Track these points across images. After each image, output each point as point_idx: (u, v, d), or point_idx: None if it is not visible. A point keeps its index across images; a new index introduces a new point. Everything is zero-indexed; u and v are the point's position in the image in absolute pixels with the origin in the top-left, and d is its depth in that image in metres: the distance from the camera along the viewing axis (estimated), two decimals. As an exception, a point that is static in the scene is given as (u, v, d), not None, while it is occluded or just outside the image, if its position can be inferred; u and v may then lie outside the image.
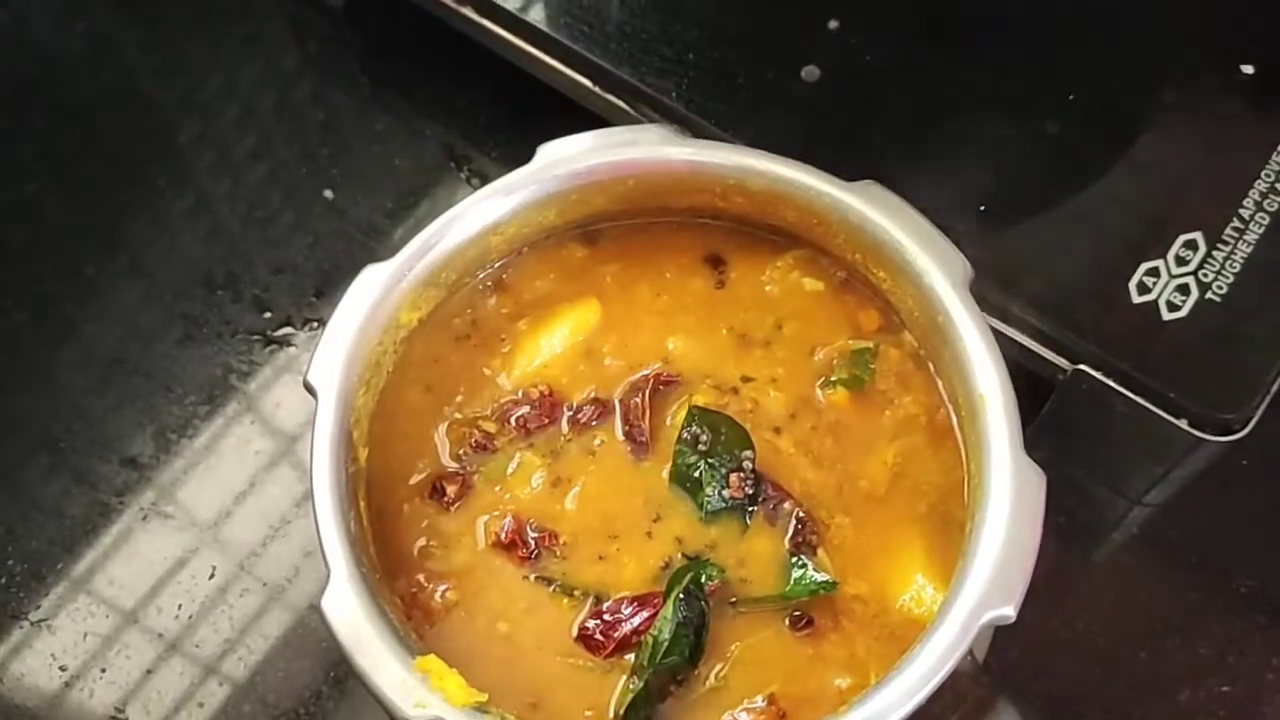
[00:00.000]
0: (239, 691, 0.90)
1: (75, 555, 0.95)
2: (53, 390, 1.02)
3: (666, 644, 0.73)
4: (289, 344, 1.01)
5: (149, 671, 0.90)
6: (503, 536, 0.78)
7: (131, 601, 0.93)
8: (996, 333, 0.79)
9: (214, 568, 0.93)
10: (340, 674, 0.89)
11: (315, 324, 1.02)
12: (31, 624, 0.92)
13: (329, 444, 0.75)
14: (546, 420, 0.82)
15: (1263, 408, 0.84)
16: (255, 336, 1.02)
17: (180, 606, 0.92)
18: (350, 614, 0.70)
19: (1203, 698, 0.87)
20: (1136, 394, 0.85)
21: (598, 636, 0.76)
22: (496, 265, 0.86)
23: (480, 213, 0.83)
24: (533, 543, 0.78)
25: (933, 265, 0.79)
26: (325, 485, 0.74)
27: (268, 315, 1.03)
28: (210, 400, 1.00)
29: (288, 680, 0.90)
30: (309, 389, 0.76)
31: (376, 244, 0.99)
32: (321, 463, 0.74)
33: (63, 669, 0.90)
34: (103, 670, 0.90)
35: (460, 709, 0.69)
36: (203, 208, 1.10)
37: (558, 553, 0.79)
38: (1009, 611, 0.69)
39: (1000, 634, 0.79)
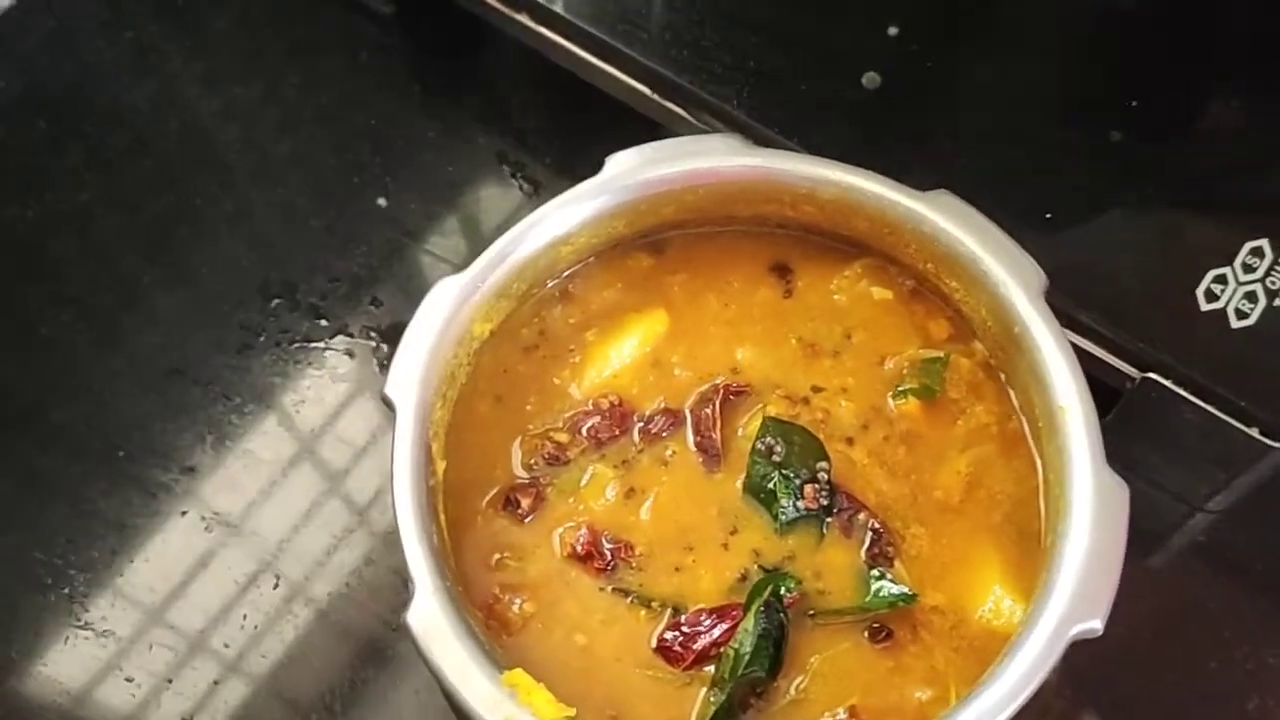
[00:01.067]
0: (306, 704, 0.89)
1: (136, 565, 0.94)
2: (110, 400, 1.02)
3: (748, 656, 0.73)
4: (347, 353, 1.01)
5: (215, 683, 0.90)
6: (578, 548, 0.78)
7: (196, 616, 0.93)
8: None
9: (278, 579, 0.93)
10: (419, 686, 0.88)
11: (373, 332, 1.01)
12: (97, 634, 0.92)
13: (409, 457, 0.75)
14: (618, 431, 0.82)
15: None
16: (314, 345, 1.02)
17: (245, 618, 0.92)
18: (436, 628, 0.70)
19: (1272, 706, 0.87)
20: (1206, 401, 0.85)
21: (677, 648, 0.76)
22: (564, 275, 0.86)
23: (552, 224, 0.83)
24: (609, 554, 0.78)
25: (1007, 275, 0.79)
26: (407, 499, 0.74)
27: (324, 324, 1.02)
28: (269, 409, 0.99)
29: (357, 694, 0.89)
30: (387, 403, 0.76)
31: (431, 251, 0.99)
32: (403, 477, 0.74)
33: (129, 680, 0.90)
34: (169, 681, 0.90)
35: (549, 723, 0.67)
36: (253, 216, 1.10)
37: (634, 564, 0.78)
38: (1096, 625, 0.69)
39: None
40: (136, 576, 0.94)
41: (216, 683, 0.91)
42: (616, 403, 0.83)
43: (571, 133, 1.05)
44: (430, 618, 0.70)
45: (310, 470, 0.98)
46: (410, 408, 0.76)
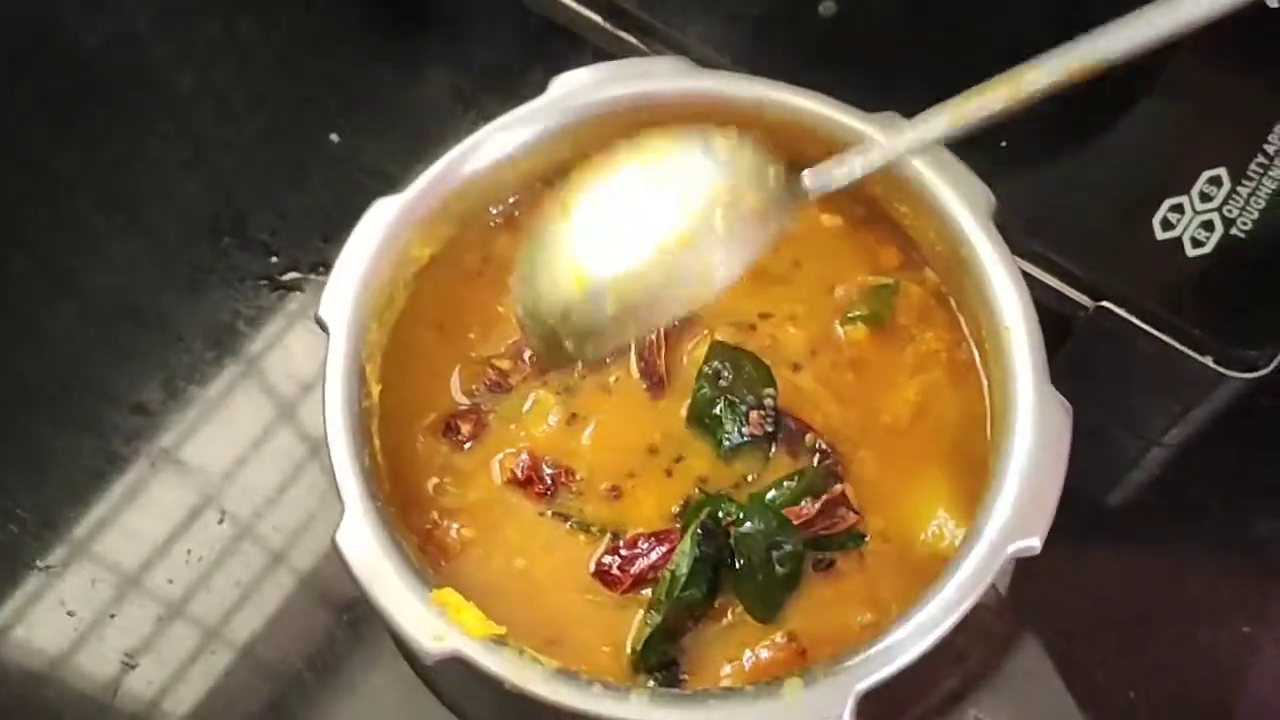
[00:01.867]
0: (252, 639, 0.89)
1: (85, 504, 0.93)
2: (59, 340, 1.00)
3: (684, 579, 0.73)
4: (297, 289, 1.00)
5: (160, 619, 0.89)
6: (518, 473, 0.78)
7: (143, 549, 0.91)
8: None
9: (223, 513, 0.91)
10: (355, 617, 0.87)
11: (322, 268, 1.00)
12: (41, 571, 0.91)
13: (341, 379, 0.74)
14: (560, 358, 0.80)
15: (1289, 342, 0.82)
16: (262, 282, 1.01)
17: (190, 553, 0.90)
18: (366, 548, 0.69)
19: (1224, 638, 0.86)
20: (1160, 331, 0.84)
21: (615, 572, 0.75)
22: (510, 202, 0.84)
23: (495, 145, 0.82)
24: (549, 479, 0.78)
25: (955, 197, 0.77)
26: (338, 420, 0.73)
27: (274, 260, 1.01)
28: (219, 347, 0.98)
29: (303, 626, 0.89)
30: (320, 324, 0.75)
31: (384, 187, 0.98)
32: (334, 397, 0.73)
33: (71, 614, 0.89)
34: (112, 616, 0.89)
35: (478, 641, 0.67)
36: (205, 154, 1.08)
37: (574, 489, 0.78)
38: (1035, 543, 0.68)
39: (1020, 573, 0.78)
40: (86, 515, 0.93)
41: (161, 619, 0.89)
42: (560, 329, 0.80)
43: (526, 66, 1.03)
44: (359, 537, 0.69)
45: (262, 404, 0.97)
46: (343, 328, 0.75)
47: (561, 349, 0.69)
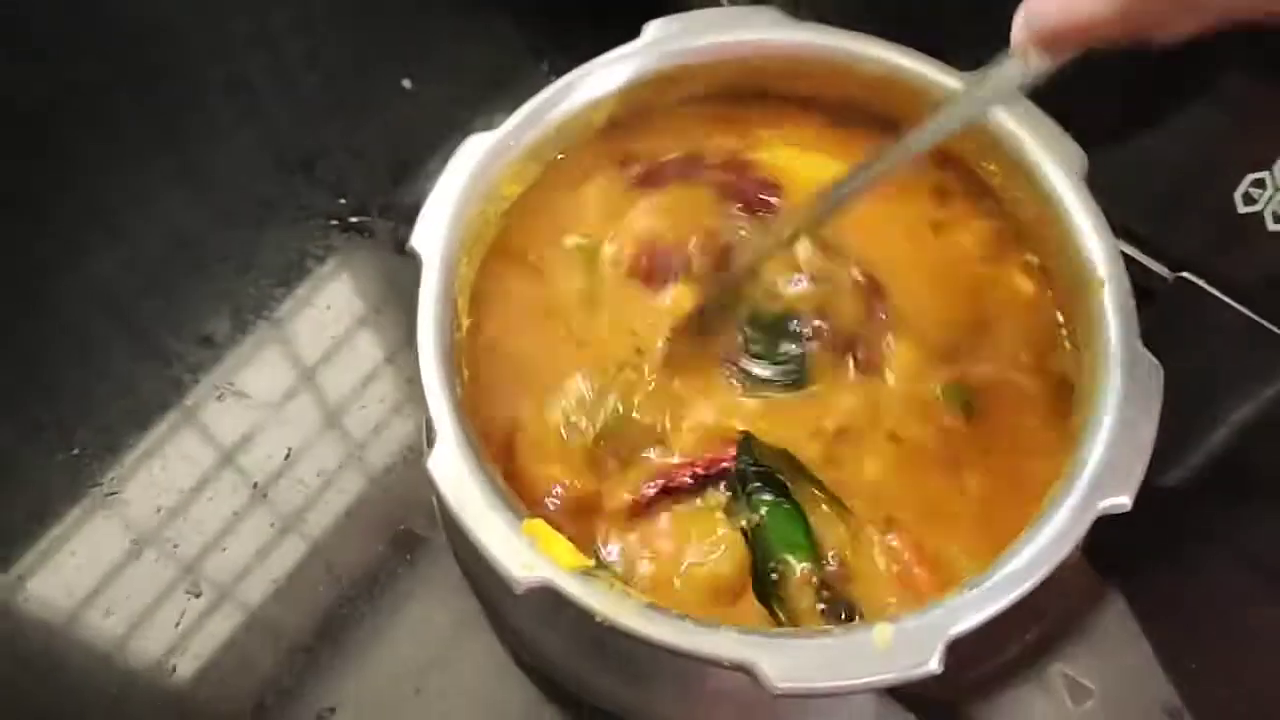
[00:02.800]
0: (310, 555, 0.89)
1: (147, 429, 0.94)
2: (132, 264, 1.01)
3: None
4: (366, 231, 1.00)
5: (222, 535, 0.89)
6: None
7: (201, 474, 0.91)
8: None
9: (289, 449, 0.92)
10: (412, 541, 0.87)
11: (391, 211, 1.00)
12: (105, 494, 0.90)
13: (434, 308, 0.74)
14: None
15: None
16: (332, 221, 1.00)
17: (255, 484, 0.90)
18: (457, 475, 0.69)
19: (1280, 616, 0.85)
20: (1239, 303, 0.83)
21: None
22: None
23: (587, 87, 0.82)
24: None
25: (1047, 156, 0.77)
26: (430, 349, 0.73)
27: (343, 201, 1.01)
28: (286, 283, 0.98)
29: (360, 550, 0.89)
30: (412, 255, 0.75)
31: (455, 133, 0.98)
32: (427, 326, 0.73)
33: (134, 542, 0.89)
34: (174, 545, 0.89)
35: (568, 572, 0.67)
36: (279, 94, 1.08)
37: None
38: (1124, 500, 0.68)
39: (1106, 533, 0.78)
40: (148, 440, 0.92)
41: (221, 537, 0.90)
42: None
43: (605, 22, 1.03)
44: (451, 465, 0.69)
45: (327, 340, 0.97)
46: (436, 259, 0.75)
47: None
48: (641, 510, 0.75)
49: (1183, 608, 0.84)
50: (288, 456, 0.92)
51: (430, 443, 0.70)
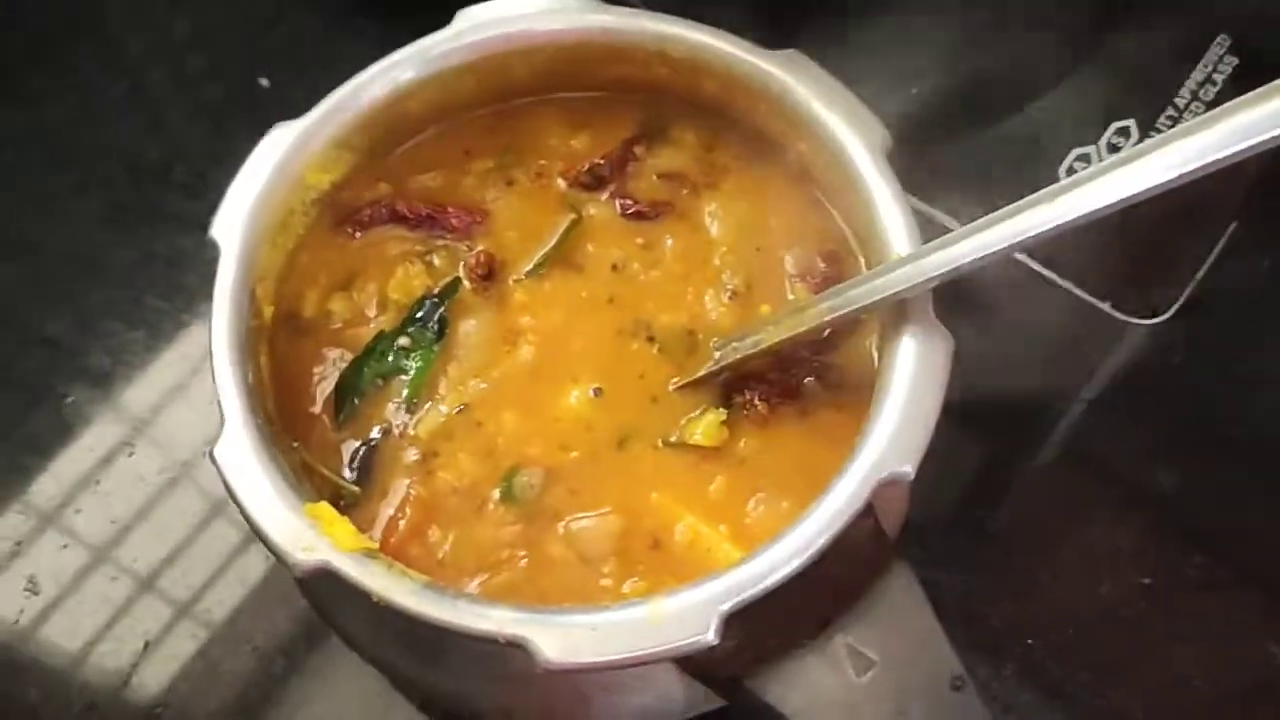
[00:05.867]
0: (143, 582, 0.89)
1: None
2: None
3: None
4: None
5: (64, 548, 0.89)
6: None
7: (52, 487, 0.92)
8: (920, 214, 0.78)
9: (132, 449, 0.92)
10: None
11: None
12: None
13: (229, 296, 0.74)
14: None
15: (1188, 290, 0.82)
16: (184, 223, 1.00)
17: (98, 484, 0.90)
18: (241, 461, 0.69)
19: (1123, 590, 0.87)
20: (1062, 277, 0.83)
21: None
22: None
23: (393, 76, 0.81)
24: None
25: (853, 135, 0.77)
26: (223, 336, 0.73)
27: (197, 203, 1.00)
28: (134, 285, 0.97)
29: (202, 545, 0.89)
30: (211, 244, 0.75)
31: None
32: (220, 315, 0.74)
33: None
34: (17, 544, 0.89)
35: (348, 554, 0.67)
36: (134, 94, 1.08)
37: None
38: (908, 469, 0.68)
39: (926, 525, 0.79)
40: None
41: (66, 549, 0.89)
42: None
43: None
44: (236, 450, 0.70)
45: (179, 343, 0.98)
46: (234, 248, 0.75)
47: None
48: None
49: (972, 574, 0.84)
50: (130, 455, 0.91)
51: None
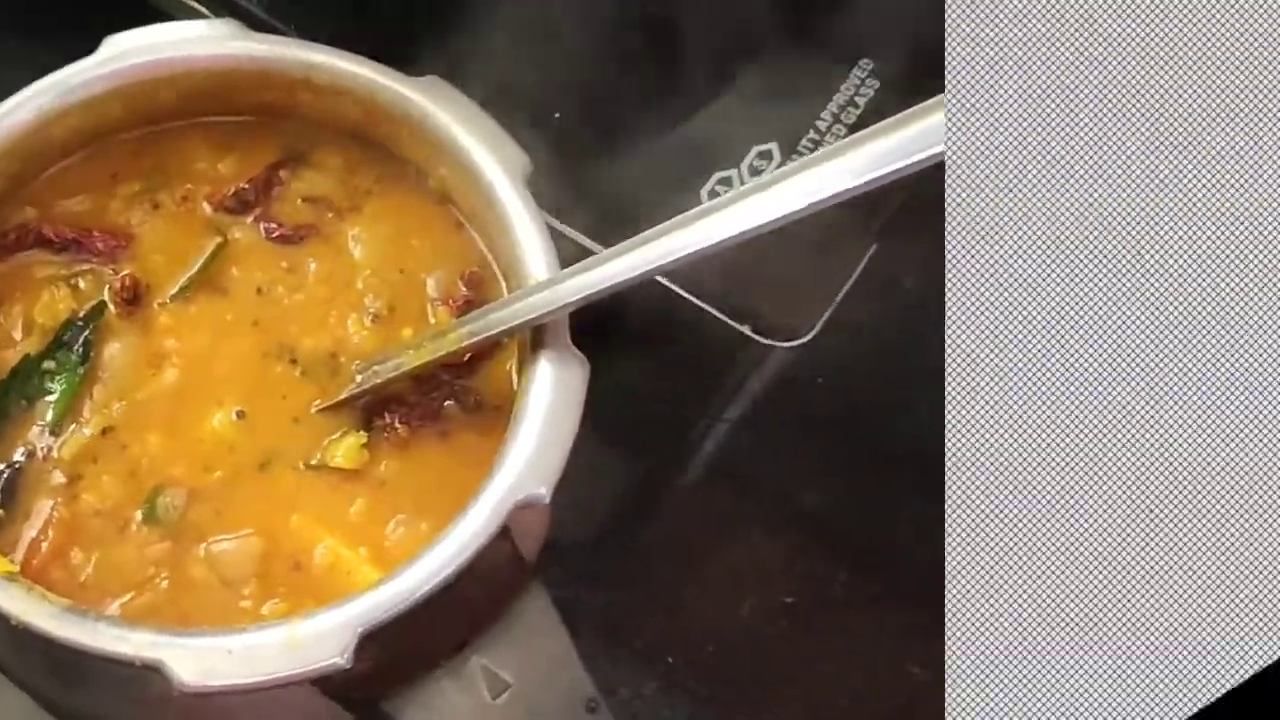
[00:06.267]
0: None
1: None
2: None
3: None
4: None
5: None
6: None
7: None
8: (567, 239, 0.80)
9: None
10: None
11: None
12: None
13: None
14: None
15: (828, 312, 0.85)
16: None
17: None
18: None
19: (768, 608, 0.89)
20: (703, 301, 0.85)
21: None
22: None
23: (37, 104, 0.80)
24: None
25: (492, 160, 0.78)
26: None
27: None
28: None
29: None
30: None
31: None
32: None
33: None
34: None
35: (-15, 578, 0.66)
36: None
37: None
38: (542, 492, 0.70)
39: (571, 545, 0.80)
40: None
41: None
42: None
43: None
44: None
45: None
46: None
47: None
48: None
49: (616, 592, 0.85)
50: None
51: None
